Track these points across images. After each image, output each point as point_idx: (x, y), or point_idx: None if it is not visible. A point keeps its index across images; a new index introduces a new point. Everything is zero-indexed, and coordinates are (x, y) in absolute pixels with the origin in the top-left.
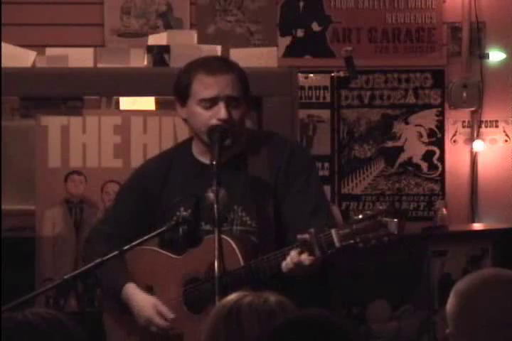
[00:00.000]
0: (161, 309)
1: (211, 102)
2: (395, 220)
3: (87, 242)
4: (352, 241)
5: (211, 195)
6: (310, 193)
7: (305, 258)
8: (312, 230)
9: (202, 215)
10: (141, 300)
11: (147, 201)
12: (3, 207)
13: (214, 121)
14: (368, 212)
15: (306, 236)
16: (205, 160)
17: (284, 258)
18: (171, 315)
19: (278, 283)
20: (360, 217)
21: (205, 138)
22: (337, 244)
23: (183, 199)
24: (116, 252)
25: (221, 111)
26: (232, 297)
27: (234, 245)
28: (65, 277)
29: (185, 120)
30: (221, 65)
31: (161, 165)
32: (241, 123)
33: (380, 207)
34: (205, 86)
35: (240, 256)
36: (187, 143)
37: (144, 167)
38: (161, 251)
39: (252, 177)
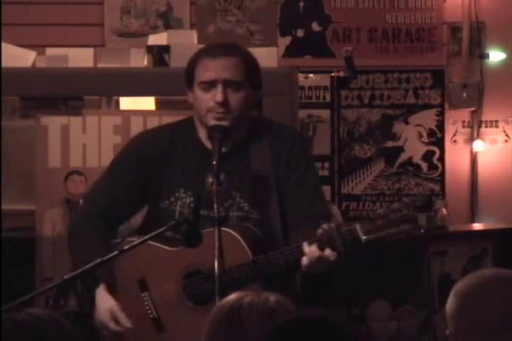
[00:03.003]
0: (118, 315)
1: (209, 85)
2: (425, 214)
3: (79, 214)
4: (378, 236)
5: (210, 181)
6: (308, 183)
7: (329, 253)
8: (333, 225)
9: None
10: (101, 304)
11: (147, 174)
12: (3, 207)
13: (211, 104)
14: (394, 206)
15: (324, 230)
16: (209, 145)
17: (301, 253)
18: (127, 324)
19: (283, 279)
20: (384, 210)
21: (204, 121)
22: (363, 239)
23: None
24: (116, 252)
25: (217, 94)
26: (232, 296)
27: (239, 238)
28: (65, 277)
29: (191, 105)
30: (225, 49)
31: (162, 140)
32: (242, 108)
33: (406, 200)
34: (205, 69)
35: (247, 249)
36: (189, 123)
37: (143, 139)
38: (154, 243)
39: (253, 165)
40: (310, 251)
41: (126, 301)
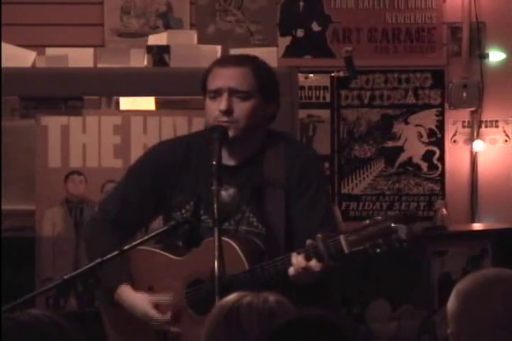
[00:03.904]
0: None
1: (216, 93)
2: (405, 226)
3: (92, 219)
4: (361, 247)
5: (223, 193)
6: (319, 206)
7: (314, 264)
8: (320, 236)
9: (208, 212)
10: (135, 299)
11: (161, 185)
12: (3, 207)
13: (216, 113)
14: (378, 218)
15: (312, 241)
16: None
17: (291, 263)
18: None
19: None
20: (369, 222)
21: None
22: (346, 250)
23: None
24: (116, 252)
25: (222, 102)
26: (232, 297)
27: (237, 248)
28: (65, 277)
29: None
30: (237, 59)
31: (177, 152)
32: (249, 119)
33: (390, 213)
34: (214, 77)
35: (244, 259)
36: (203, 135)
37: (159, 150)
38: (161, 252)
39: (265, 180)
40: (297, 261)
41: None
